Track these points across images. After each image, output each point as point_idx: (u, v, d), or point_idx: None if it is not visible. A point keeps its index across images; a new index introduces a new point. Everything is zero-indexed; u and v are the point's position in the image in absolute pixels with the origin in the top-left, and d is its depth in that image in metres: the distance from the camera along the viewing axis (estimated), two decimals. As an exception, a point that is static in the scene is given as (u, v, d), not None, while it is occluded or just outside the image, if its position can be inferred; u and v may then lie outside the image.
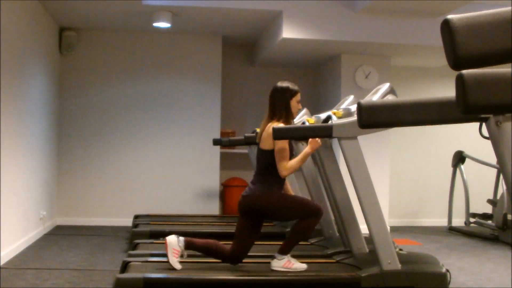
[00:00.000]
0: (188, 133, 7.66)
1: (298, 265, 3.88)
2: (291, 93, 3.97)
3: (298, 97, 4.01)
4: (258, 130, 4.59)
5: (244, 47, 8.31)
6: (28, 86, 5.88)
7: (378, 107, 2.83)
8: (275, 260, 3.88)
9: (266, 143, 3.91)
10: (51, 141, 7.04)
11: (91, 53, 7.60)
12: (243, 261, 4.03)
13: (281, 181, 3.95)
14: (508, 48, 1.44)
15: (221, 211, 7.97)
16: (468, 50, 1.44)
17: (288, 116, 3.97)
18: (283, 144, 3.85)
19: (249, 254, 4.38)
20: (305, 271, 3.85)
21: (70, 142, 7.49)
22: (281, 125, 3.90)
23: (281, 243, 3.99)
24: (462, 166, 7.71)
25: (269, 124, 3.93)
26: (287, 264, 3.86)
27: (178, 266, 3.84)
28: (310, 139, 3.96)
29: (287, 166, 3.84)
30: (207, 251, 4.00)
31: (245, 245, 3.94)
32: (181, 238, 3.89)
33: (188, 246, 3.91)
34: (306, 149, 3.94)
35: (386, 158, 7.33)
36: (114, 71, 7.62)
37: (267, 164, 3.91)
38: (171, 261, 3.82)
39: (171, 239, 3.87)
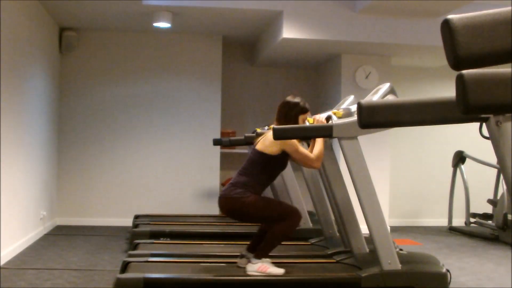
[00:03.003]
0: (188, 133, 7.66)
1: (274, 270, 3.80)
2: (300, 110, 3.99)
3: (306, 115, 4.02)
4: (258, 130, 4.59)
5: (244, 47, 8.31)
6: (28, 86, 5.88)
7: (378, 107, 2.83)
8: (249, 264, 3.83)
9: (271, 148, 3.89)
10: (51, 141, 7.04)
11: (91, 53, 7.60)
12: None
13: (265, 184, 3.98)
14: (508, 48, 1.44)
15: (221, 211, 7.96)
16: (468, 50, 1.44)
17: None
18: (295, 145, 3.86)
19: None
20: (306, 271, 3.84)
21: (70, 142, 7.49)
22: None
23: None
24: (462, 166, 7.71)
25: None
26: (262, 268, 3.78)
27: (280, 271, 3.79)
28: (315, 123, 4.01)
29: (314, 157, 3.88)
30: (274, 242, 3.87)
31: (276, 211, 3.88)
32: (251, 258, 3.82)
33: (261, 255, 3.83)
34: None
35: (386, 158, 7.33)
36: (114, 71, 7.62)
37: (261, 166, 3.92)
38: (273, 273, 3.76)
39: (249, 268, 3.80)
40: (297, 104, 4.00)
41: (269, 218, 3.91)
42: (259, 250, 3.86)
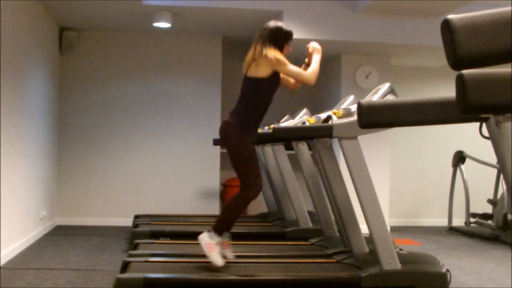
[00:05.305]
0: (188, 133, 7.66)
1: (217, 258, 3.81)
2: (290, 37, 4.13)
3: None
4: (259, 130, 4.59)
5: (244, 47, 8.25)
6: (28, 86, 5.88)
7: (378, 107, 2.83)
8: (206, 233, 3.84)
9: (262, 72, 3.93)
10: (51, 141, 7.04)
11: (91, 53, 7.60)
12: (243, 261, 4.02)
13: (258, 119, 4.03)
14: (508, 48, 1.44)
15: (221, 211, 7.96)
16: (468, 50, 1.45)
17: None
18: (286, 63, 3.90)
19: (247, 254, 4.38)
20: (306, 271, 3.84)
21: (70, 142, 7.49)
22: (273, 53, 3.92)
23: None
24: (462, 166, 7.71)
25: (266, 50, 3.95)
26: (211, 247, 3.80)
27: (220, 262, 3.79)
28: (311, 49, 4.10)
29: (309, 74, 3.97)
30: (231, 215, 3.89)
31: (249, 172, 3.90)
32: (211, 230, 3.84)
33: (218, 228, 3.84)
34: (315, 57, 4.07)
35: (386, 158, 7.33)
36: (114, 71, 7.63)
37: (255, 91, 3.97)
38: (211, 259, 3.78)
39: (202, 236, 3.83)
40: (288, 33, 4.07)
41: (240, 165, 3.93)
42: (216, 222, 3.89)
